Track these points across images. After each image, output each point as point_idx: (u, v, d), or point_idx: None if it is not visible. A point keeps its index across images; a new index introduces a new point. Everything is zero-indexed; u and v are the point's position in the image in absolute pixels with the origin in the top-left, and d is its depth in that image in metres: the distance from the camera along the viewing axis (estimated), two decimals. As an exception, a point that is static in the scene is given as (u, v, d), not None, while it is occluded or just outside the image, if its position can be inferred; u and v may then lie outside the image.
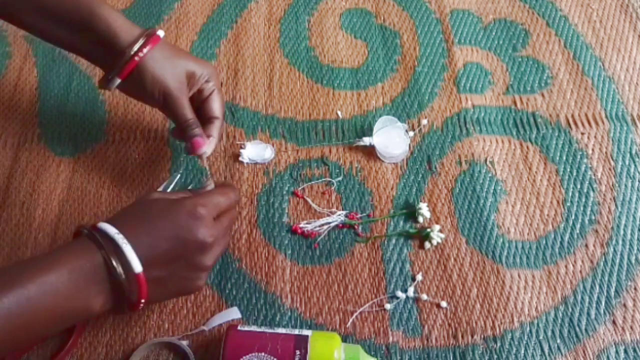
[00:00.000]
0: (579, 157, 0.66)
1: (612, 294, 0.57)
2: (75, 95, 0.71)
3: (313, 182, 0.64)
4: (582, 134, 0.67)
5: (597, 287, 0.57)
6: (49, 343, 0.54)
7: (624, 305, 0.56)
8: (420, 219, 0.61)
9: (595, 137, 0.67)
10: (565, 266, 0.59)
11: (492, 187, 0.64)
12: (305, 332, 0.50)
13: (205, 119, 0.57)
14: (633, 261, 0.59)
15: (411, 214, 0.61)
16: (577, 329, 0.55)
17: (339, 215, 0.60)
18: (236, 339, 0.49)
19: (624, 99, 0.70)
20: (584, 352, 0.54)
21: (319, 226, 0.60)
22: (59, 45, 0.55)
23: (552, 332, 0.55)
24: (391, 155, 0.65)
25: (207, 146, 0.55)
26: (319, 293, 0.57)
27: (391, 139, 0.65)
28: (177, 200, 0.46)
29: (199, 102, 0.57)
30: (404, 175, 0.64)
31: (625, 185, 0.64)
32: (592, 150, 0.66)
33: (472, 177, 0.64)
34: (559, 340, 0.54)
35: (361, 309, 0.56)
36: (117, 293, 0.42)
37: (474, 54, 0.74)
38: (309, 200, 0.62)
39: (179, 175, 0.64)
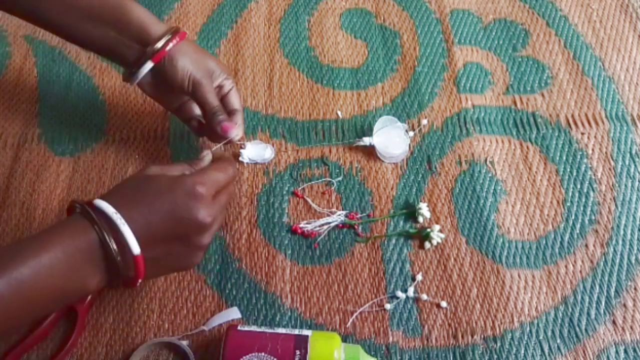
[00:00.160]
0: (579, 157, 0.66)
1: (612, 294, 0.57)
2: (75, 95, 0.71)
3: (313, 182, 0.64)
4: (582, 134, 0.67)
5: (597, 287, 0.57)
6: (49, 343, 0.54)
7: (624, 305, 0.56)
8: (420, 219, 0.61)
9: (595, 137, 0.67)
10: (565, 266, 0.59)
11: (492, 187, 0.64)
12: (305, 332, 0.50)
13: (227, 111, 0.59)
14: (633, 261, 0.59)
15: (411, 214, 0.61)
16: (577, 329, 0.55)
17: (339, 215, 0.60)
18: (236, 339, 0.49)
19: (624, 99, 0.70)
20: (584, 352, 0.54)
21: (319, 226, 0.60)
22: (82, 44, 0.57)
23: (552, 332, 0.55)
24: (391, 155, 0.65)
25: (236, 129, 0.57)
26: (319, 293, 0.57)
27: (391, 139, 0.65)
28: (176, 178, 0.45)
29: (220, 97, 0.59)
30: (404, 175, 0.64)
31: (625, 185, 0.64)
32: (592, 150, 0.66)
33: (472, 177, 0.64)
34: (559, 340, 0.54)
35: (361, 309, 0.56)
36: (112, 271, 0.42)
37: (474, 54, 0.74)
38: (309, 200, 0.62)
39: (179, 175, 0.64)
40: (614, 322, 0.55)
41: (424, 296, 0.57)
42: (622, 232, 0.61)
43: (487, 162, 0.65)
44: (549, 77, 0.72)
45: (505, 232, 0.61)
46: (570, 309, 0.56)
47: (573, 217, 0.62)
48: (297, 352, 0.48)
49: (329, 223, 0.60)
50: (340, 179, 0.64)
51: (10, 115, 0.70)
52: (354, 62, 0.74)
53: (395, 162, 0.65)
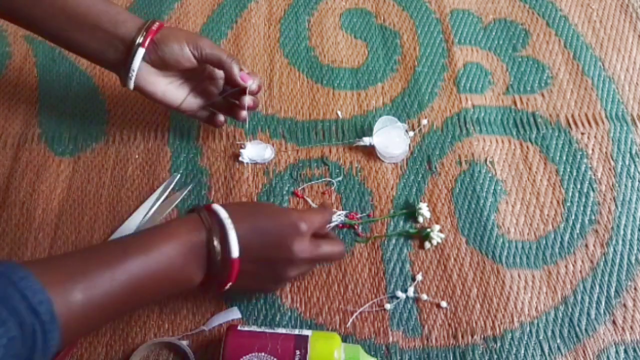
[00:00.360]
0: (579, 157, 0.66)
1: (612, 294, 0.57)
2: (75, 95, 0.71)
3: (313, 182, 0.64)
4: (582, 134, 0.67)
5: (597, 287, 0.57)
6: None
7: (624, 305, 0.56)
8: (420, 219, 0.61)
9: (595, 137, 0.67)
10: (565, 266, 0.59)
11: (492, 187, 0.64)
12: (305, 332, 0.50)
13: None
14: (633, 261, 0.59)
15: (411, 214, 0.61)
16: (577, 329, 0.55)
17: (339, 215, 0.60)
18: (236, 339, 0.49)
19: (624, 99, 0.70)
20: (584, 352, 0.54)
21: None
22: (72, 49, 0.57)
23: (552, 332, 0.55)
24: (391, 155, 0.65)
25: (255, 78, 0.59)
26: (319, 293, 0.57)
27: (391, 139, 0.65)
28: (285, 209, 0.51)
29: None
30: (404, 175, 0.64)
31: (625, 185, 0.64)
32: (592, 150, 0.66)
33: (472, 177, 0.64)
34: (559, 340, 0.54)
35: (361, 309, 0.56)
36: (210, 271, 0.46)
37: (474, 54, 0.74)
38: (309, 200, 0.62)
39: (178, 175, 0.64)
40: (614, 322, 0.55)
41: (424, 296, 0.57)
42: (622, 232, 0.61)
43: (487, 162, 0.65)
44: (549, 77, 0.72)
45: (505, 232, 0.61)
46: (570, 309, 0.56)
47: (573, 217, 0.62)
48: (297, 352, 0.48)
49: (329, 223, 0.60)
50: (340, 179, 0.64)
51: (10, 115, 0.70)
52: (354, 62, 0.74)
53: (395, 162, 0.65)
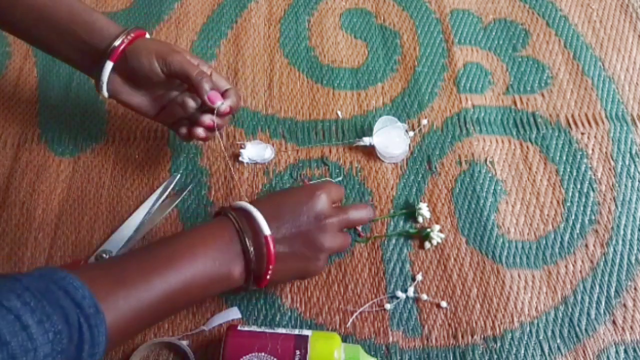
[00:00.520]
0: (579, 157, 0.66)
1: (612, 294, 0.57)
2: (75, 95, 0.71)
3: (313, 182, 0.64)
4: (582, 134, 0.67)
5: (597, 287, 0.57)
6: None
7: (624, 305, 0.56)
8: (420, 219, 0.61)
9: (595, 137, 0.67)
10: (565, 266, 0.59)
11: (492, 187, 0.64)
12: (305, 332, 0.50)
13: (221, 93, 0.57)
14: (633, 261, 0.59)
15: (411, 214, 0.61)
16: (577, 329, 0.55)
17: None
18: (236, 339, 0.49)
19: (624, 99, 0.70)
20: (584, 352, 0.54)
21: None
22: (48, 51, 0.56)
23: (552, 332, 0.55)
24: (391, 155, 0.65)
25: (226, 100, 0.55)
26: (319, 293, 0.57)
27: (391, 139, 0.65)
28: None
29: None
30: (404, 175, 0.64)
31: (625, 185, 0.64)
32: (592, 150, 0.66)
33: (472, 177, 0.64)
34: (559, 340, 0.54)
35: (361, 309, 0.56)
36: (248, 262, 0.47)
37: (474, 54, 0.74)
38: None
39: (178, 175, 0.64)
40: (614, 322, 0.55)
41: (424, 296, 0.57)
42: (622, 232, 0.61)
43: (487, 162, 0.65)
44: (549, 77, 0.72)
45: (505, 232, 0.61)
46: (570, 309, 0.56)
47: (573, 217, 0.62)
48: (297, 352, 0.48)
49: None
50: (340, 179, 0.64)
51: (10, 115, 0.70)
52: (354, 62, 0.74)
53: (395, 162, 0.65)
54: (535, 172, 0.65)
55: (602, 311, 0.56)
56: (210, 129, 0.56)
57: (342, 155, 0.66)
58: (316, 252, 0.50)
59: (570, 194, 0.63)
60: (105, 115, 0.70)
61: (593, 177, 0.64)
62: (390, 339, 0.55)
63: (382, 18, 0.78)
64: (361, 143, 0.65)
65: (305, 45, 0.76)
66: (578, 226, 0.61)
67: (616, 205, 0.62)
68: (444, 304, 0.56)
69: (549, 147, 0.66)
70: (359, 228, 0.60)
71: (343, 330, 0.55)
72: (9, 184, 0.64)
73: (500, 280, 0.58)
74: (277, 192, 0.52)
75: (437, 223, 0.61)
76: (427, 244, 0.59)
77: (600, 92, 0.71)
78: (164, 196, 0.62)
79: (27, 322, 0.33)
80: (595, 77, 0.72)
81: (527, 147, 0.66)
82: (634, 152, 0.66)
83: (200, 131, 0.56)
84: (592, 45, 0.75)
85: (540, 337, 0.55)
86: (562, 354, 0.54)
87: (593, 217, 0.61)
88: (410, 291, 0.57)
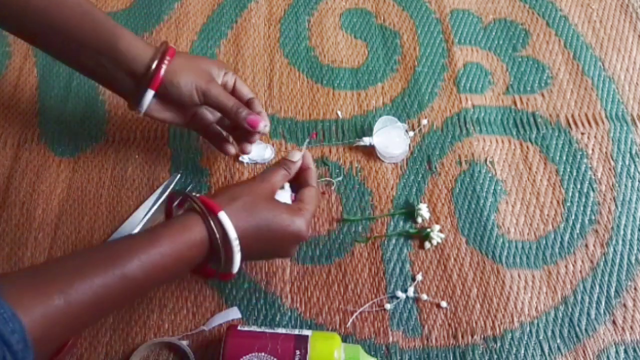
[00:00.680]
0: (579, 157, 0.66)
1: (612, 294, 0.57)
2: (75, 95, 0.71)
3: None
4: (582, 134, 0.67)
5: (597, 287, 0.57)
6: (49, 343, 0.54)
7: (624, 305, 0.56)
8: (420, 220, 0.61)
9: (595, 137, 0.67)
10: (565, 266, 0.59)
11: (492, 187, 0.64)
12: (305, 332, 0.50)
13: (243, 103, 0.57)
14: (633, 261, 0.59)
15: (411, 213, 0.61)
16: (577, 329, 0.55)
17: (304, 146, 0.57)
18: (236, 339, 0.49)
19: (624, 99, 0.70)
20: (584, 352, 0.54)
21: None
22: (82, 72, 0.56)
23: (552, 332, 0.55)
24: (391, 155, 0.65)
25: (264, 120, 0.56)
26: (319, 293, 0.57)
27: (391, 139, 0.65)
28: (282, 214, 0.48)
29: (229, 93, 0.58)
30: (404, 175, 0.64)
31: (625, 185, 0.64)
32: (592, 150, 0.66)
33: (472, 177, 0.64)
34: (559, 340, 0.54)
35: (361, 309, 0.56)
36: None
37: (474, 54, 0.74)
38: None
39: (179, 175, 0.64)
40: (614, 322, 0.55)
41: (424, 296, 0.57)
42: (622, 232, 0.61)
43: (487, 162, 0.65)
44: (549, 77, 0.72)
45: (505, 232, 0.61)
46: (570, 309, 0.56)
47: (573, 217, 0.62)
48: (297, 352, 0.48)
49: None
50: (340, 179, 0.64)
51: (10, 115, 0.70)
52: (354, 62, 0.74)
53: (395, 162, 0.65)
54: (535, 172, 0.65)
55: (602, 311, 0.56)
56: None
57: (342, 155, 0.66)
58: (289, 249, 0.51)
59: (570, 194, 0.63)
60: (105, 115, 0.70)
61: (593, 177, 0.64)
62: (390, 339, 0.55)
63: (382, 18, 0.78)
64: (361, 143, 0.65)
65: (305, 45, 0.76)
66: (578, 226, 0.61)
67: (616, 205, 0.62)
68: (444, 304, 0.56)
69: (549, 147, 0.66)
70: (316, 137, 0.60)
71: (343, 330, 0.55)
72: (9, 184, 0.64)
73: (500, 280, 0.58)
74: (264, 226, 0.48)
75: (437, 223, 0.61)
76: (427, 244, 0.59)
77: (600, 92, 0.71)
78: (164, 196, 0.62)
79: None
80: (595, 77, 0.72)
81: (527, 147, 0.66)
82: (634, 152, 0.66)
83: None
84: (592, 45, 0.75)
85: (540, 337, 0.55)
86: (562, 354, 0.54)
87: (593, 217, 0.61)
88: (410, 291, 0.57)
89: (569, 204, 0.62)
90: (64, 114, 0.70)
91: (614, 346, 0.54)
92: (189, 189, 0.63)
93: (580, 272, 0.58)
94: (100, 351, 0.54)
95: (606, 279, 0.58)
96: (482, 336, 0.55)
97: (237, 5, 0.80)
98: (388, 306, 0.56)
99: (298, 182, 0.54)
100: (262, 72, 0.73)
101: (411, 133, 0.67)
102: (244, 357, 0.48)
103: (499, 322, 0.55)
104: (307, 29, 0.77)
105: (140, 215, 0.61)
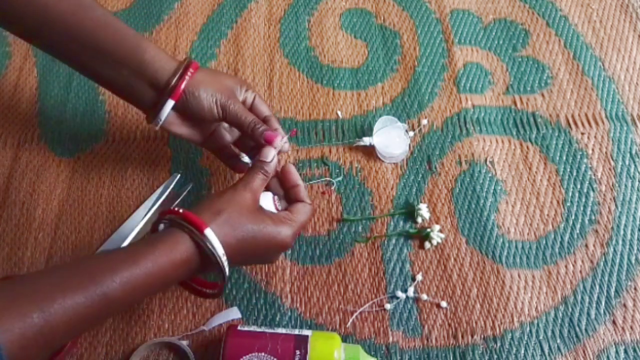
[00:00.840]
0: (579, 157, 0.66)
1: (612, 294, 0.57)
2: (75, 95, 0.71)
3: (313, 182, 0.64)
4: (582, 134, 0.67)
5: (597, 287, 0.57)
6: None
7: (624, 305, 0.56)
8: (420, 220, 0.61)
9: (595, 137, 0.67)
10: (565, 266, 0.59)
11: (492, 187, 0.64)
12: (305, 332, 0.50)
13: (261, 120, 0.57)
14: (633, 261, 0.59)
15: (411, 213, 0.61)
16: (577, 329, 0.55)
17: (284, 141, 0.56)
18: (236, 339, 0.49)
19: (624, 99, 0.70)
20: (584, 352, 0.54)
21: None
22: (99, 82, 0.55)
23: (552, 332, 0.55)
24: (391, 155, 0.65)
25: (281, 137, 0.55)
26: (319, 293, 0.57)
27: (391, 139, 0.65)
28: (268, 225, 0.48)
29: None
30: (404, 175, 0.64)
31: (625, 185, 0.64)
32: (592, 150, 0.66)
33: (472, 177, 0.64)
34: (559, 340, 0.54)
35: (361, 309, 0.56)
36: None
37: (474, 54, 0.74)
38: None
39: (179, 175, 0.64)
40: (614, 322, 0.55)
41: (424, 296, 0.57)
42: (622, 232, 0.61)
43: (487, 162, 0.65)
44: (549, 77, 0.72)
45: (505, 232, 0.61)
46: (570, 309, 0.56)
47: (573, 217, 0.62)
48: (297, 352, 0.48)
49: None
50: (340, 179, 0.64)
51: (10, 115, 0.70)
52: (354, 62, 0.74)
53: (395, 162, 0.65)
54: (535, 172, 0.65)
55: (602, 311, 0.56)
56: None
57: (342, 155, 0.66)
58: (273, 256, 0.52)
59: (570, 194, 0.63)
60: (105, 115, 0.70)
61: (593, 177, 0.64)
62: (390, 339, 0.55)
63: (382, 18, 0.78)
64: (361, 143, 0.65)
65: (305, 45, 0.76)
66: (578, 226, 0.61)
67: (616, 205, 0.62)
68: (444, 304, 0.56)
69: (549, 147, 0.66)
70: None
71: (343, 330, 0.55)
72: (9, 184, 0.64)
73: (500, 280, 0.58)
74: (250, 239, 0.47)
75: (437, 223, 0.61)
76: (427, 244, 0.59)
77: (600, 92, 0.71)
78: (164, 196, 0.62)
79: None
80: (595, 77, 0.72)
81: (527, 147, 0.66)
82: (634, 152, 0.66)
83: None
84: (592, 45, 0.75)
85: (540, 337, 0.55)
86: (562, 354, 0.54)
87: (593, 217, 0.61)
88: (410, 291, 0.57)
89: (569, 204, 0.62)
90: (64, 114, 0.70)
91: (614, 346, 0.54)
92: (189, 188, 0.63)
93: (580, 272, 0.58)
94: (100, 351, 0.54)
95: (606, 279, 0.58)
96: (482, 336, 0.55)
97: (237, 5, 0.80)
98: (388, 306, 0.56)
99: (289, 199, 0.54)
100: (262, 72, 0.73)
101: (411, 133, 0.67)
102: (244, 357, 0.48)
103: (499, 322, 0.55)
104: (307, 29, 0.77)
105: (140, 215, 0.61)
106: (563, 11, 0.78)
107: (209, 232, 0.44)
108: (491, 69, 0.73)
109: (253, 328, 0.51)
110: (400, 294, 0.57)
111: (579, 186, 0.64)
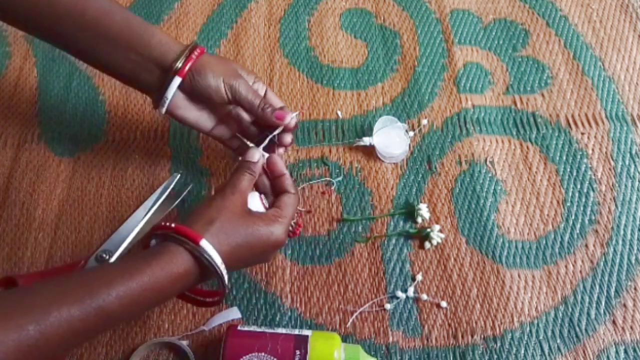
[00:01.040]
0: (579, 157, 0.66)
1: (612, 294, 0.57)
2: (75, 95, 0.71)
3: (313, 182, 0.64)
4: (582, 134, 0.67)
5: (597, 287, 0.57)
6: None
7: (624, 305, 0.56)
8: (420, 220, 0.61)
9: (595, 137, 0.67)
10: (565, 266, 0.59)
11: (492, 187, 0.64)
12: (305, 332, 0.50)
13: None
14: (633, 261, 0.59)
15: (411, 213, 0.61)
16: (577, 329, 0.55)
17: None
18: (236, 339, 0.49)
19: (624, 99, 0.70)
20: (584, 352, 0.54)
21: None
22: (102, 68, 0.55)
23: (552, 332, 0.55)
24: (391, 155, 0.65)
25: (290, 115, 0.55)
26: (319, 293, 0.57)
27: (391, 139, 0.65)
28: (259, 228, 0.48)
29: None
30: (404, 175, 0.64)
31: (625, 185, 0.64)
32: (592, 150, 0.66)
33: (472, 177, 0.64)
34: (559, 340, 0.54)
35: (361, 309, 0.56)
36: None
37: (474, 54, 0.74)
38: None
39: (178, 175, 0.64)
40: (614, 322, 0.55)
41: (424, 296, 0.57)
42: (622, 232, 0.61)
43: (487, 162, 0.65)
44: (549, 77, 0.72)
45: (505, 232, 0.61)
46: (570, 309, 0.56)
47: (573, 217, 0.62)
48: (297, 352, 0.48)
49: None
50: (340, 179, 0.64)
51: (10, 115, 0.70)
52: (354, 62, 0.74)
53: (395, 162, 0.65)
54: (535, 172, 0.65)
55: (602, 311, 0.56)
56: (286, 146, 0.58)
57: (342, 155, 0.66)
58: (268, 256, 0.52)
59: (570, 194, 0.63)
60: (105, 115, 0.70)
61: (593, 177, 0.64)
62: (390, 339, 0.55)
63: (382, 18, 0.78)
64: (361, 143, 0.65)
65: (305, 45, 0.76)
66: (578, 226, 0.61)
67: (616, 205, 0.62)
68: (444, 304, 0.56)
69: (549, 147, 0.66)
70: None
71: (343, 330, 0.55)
72: (9, 184, 0.64)
73: (500, 280, 0.58)
74: (244, 243, 0.47)
75: (437, 223, 0.61)
76: (427, 244, 0.59)
77: (600, 92, 0.71)
78: (164, 196, 0.62)
79: None
80: (595, 77, 0.72)
81: (527, 147, 0.66)
82: (634, 152, 0.66)
83: (281, 151, 0.57)
84: (592, 45, 0.75)
85: (540, 337, 0.55)
86: (562, 354, 0.54)
87: (593, 217, 0.61)
88: (410, 291, 0.57)
89: (569, 204, 0.62)
90: (64, 114, 0.70)
91: (614, 346, 0.54)
92: (189, 188, 0.63)
93: (580, 272, 0.58)
94: (100, 351, 0.54)
95: (606, 279, 0.58)
96: (482, 336, 0.55)
97: (237, 5, 0.80)
98: (388, 306, 0.56)
99: (275, 191, 0.53)
100: (262, 72, 0.73)
101: (411, 133, 0.67)
102: (244, 357, 0.48)
103: (499, 322, 0.55)
104: (307, 29, 0.77)
105: (140, 215, 0.61)
106: (563, 11, 0.78)
107: (204, 243, 0.44)
108: (491, 69, 0.73)
109: (253, 328, 0.51)
110: (400, 294, 0.57)
111: (579, 186, 0.64)
